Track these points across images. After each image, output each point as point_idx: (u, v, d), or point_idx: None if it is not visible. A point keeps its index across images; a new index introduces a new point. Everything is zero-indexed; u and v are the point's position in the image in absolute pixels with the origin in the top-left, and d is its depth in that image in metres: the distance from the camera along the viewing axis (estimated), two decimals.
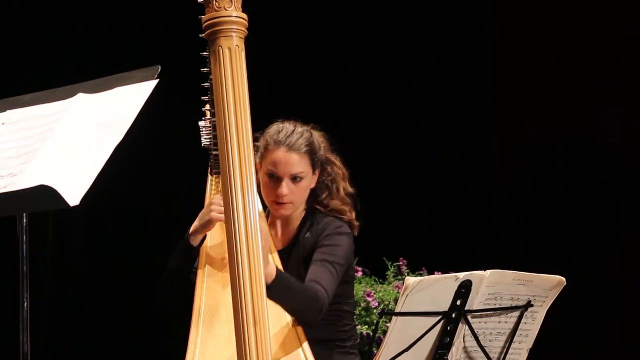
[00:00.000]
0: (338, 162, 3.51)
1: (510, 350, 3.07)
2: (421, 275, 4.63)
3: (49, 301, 5.16)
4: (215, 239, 3.26)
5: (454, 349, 3.00)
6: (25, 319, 2.51)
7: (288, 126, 3.38)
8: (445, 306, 2.92)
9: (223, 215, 2.65)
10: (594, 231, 5.70)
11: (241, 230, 2.29)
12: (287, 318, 3.08)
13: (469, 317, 2.96)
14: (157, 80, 2.47)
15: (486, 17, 5.95)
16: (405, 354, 2.93)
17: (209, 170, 3.39)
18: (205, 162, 3.40)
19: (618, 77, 5.63)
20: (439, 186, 5.85)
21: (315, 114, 5.32)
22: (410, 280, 2.87)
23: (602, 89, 5.65)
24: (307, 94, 5.52)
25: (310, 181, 3.36)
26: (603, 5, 5.62)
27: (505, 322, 3.04)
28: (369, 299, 4.50)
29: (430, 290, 2.89)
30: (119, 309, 5.15)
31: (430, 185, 5.79)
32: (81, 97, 2.51)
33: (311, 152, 3.36)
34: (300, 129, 3.38)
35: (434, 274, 4.31)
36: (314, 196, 3.42)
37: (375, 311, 4.49)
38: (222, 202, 2.79)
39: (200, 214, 3.18)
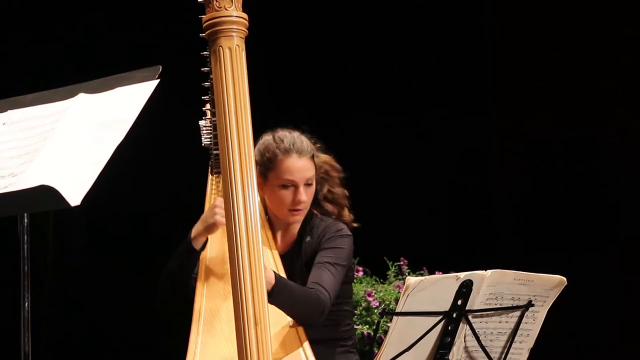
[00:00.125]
0: (333, 162, 3.51)
1: (511, 350, 3.07)
2: (422, 274, 4.63)
3: (50, 301, 5.15)
4: (215, 238, 3.25)
5: (454, 348, 3.00)
6: (26, 318, 2.51)
7: (284, 133, 3.36)
8: (446, 306, 2.92)
9: None
10: (594, 231, 5.70)
11: (242, 230, 2.29)
12: (288, 317, 3.08)
13: (470, 317, 2.96)
14: (158, 80, 2.47)
15: (486, 17, 5.95)
16: (406, 353, 2.93)
17: (209, 170, 3.38)
18: (205, 161, 3.39)
19: (618, 77, 5.63)
20: (439, 186, 5.85)
21: (316, 113, 5.35)
22: (411, 279, 2.88)
23: (602, 89, 5.65)
24: (307, 94, 5.53)
25: (314, 184, 3.37)
26: (603, 5, 5.62)
27: (506, 322, 3.04)
28: (370, 299, 4.50)
29: (431, 290, 2.89)
30: (119, 308, 5.15)
31: (431, 185, 5.79)
32: (82, 97, 2.51)
33: (313, 154, 3.36)
34: (296, 133, 3.37)
35: (434, 273, 4.32)
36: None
37: (375, 311, 4.49)
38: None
39: (203, 217, 3.15)
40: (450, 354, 2.99)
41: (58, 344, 5.23)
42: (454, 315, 2.93)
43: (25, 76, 4.97)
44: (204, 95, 3.15)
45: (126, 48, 5.20)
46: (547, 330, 3.14)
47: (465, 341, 3.02)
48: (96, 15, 5.35)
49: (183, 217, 3.31)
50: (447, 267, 3.99)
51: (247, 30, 2.36)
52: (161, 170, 5.18)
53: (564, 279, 3.05)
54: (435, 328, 2.93)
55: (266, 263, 3.00)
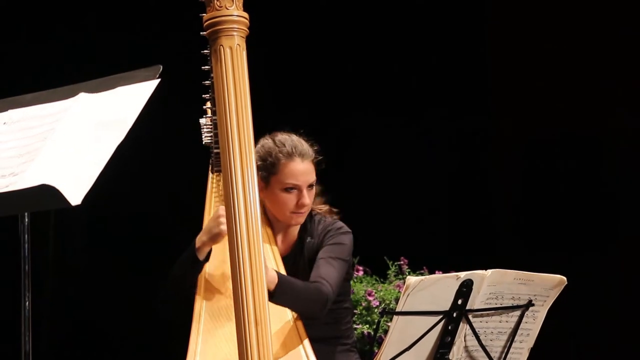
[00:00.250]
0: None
1: (511, 350, 3.07)
2: (422, 274, 4.62)
3: (50, 300, 5.15)
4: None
5: (454, 348, 3.00)
6: (27, 317, 2.51)
7: (285, 137, 3.36)
8: (446, 305, 2.92)
9: None
10: (594, 231, 5.70)
11: (242, 229, 2.29)
12: (288, 316, 3.08)
13: (470, 316, 2.96)
14: (159, 80, 2.47)
15: (486, 17, 5.95)
16: (406, 353, 2.93)
17: (210, 168, 3.38)
18: (206, 160, 3.39)
19: (618, 77, 5.63)
20: (439, 186, 5.85)
21: (316, 113, 5.35)
22: (411, 279, 2.88)
23: (602, 88, 5.65)
24: (307, 94, 5.53)
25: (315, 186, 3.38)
26: (603, 5, 5.62)
27: (506, 321, 3.04)
28: (370, 298, 4.51)
29: (431, 290, 2.89)
30: (120, 308, 5.15)
31: (431, 185, 5.79)
32: (82, 96, 2.51)
33: (314, 157, 3.37)
34: (294, 136, 3.38)
35: (434, 273, 4.32)
36: None
37: (376, 310, 4.49)
38: None
39: (207, 227, 3.10)
40: (451, 353, 2.99)
41: (58, 343, 5.23)
42: (454, 314, 2.94)
43: (25, 76, 4.97)
44: (204, 94, 3.15)
45: (126, 48, 5.20)
46: (548, 330, 3.14)
47: (465, 341, 3.03)
48: (96, 15, 5.35)
49: (183, 216, 3.31)
50: (447, 267, 3.99)
51: (248, 30, 2.37)
52: (161, 170, 5.17)
53: (564, 278, 3.05)
54: (436, 327, 2.93)
55: (268, 264, 3.01)
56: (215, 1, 2.32)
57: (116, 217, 5.27)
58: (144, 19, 5.33)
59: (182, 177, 4.58)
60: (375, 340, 4.02)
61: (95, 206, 3.29)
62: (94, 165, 2.31)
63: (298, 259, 3.35)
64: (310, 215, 3.40)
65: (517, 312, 3.03)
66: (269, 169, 3.29)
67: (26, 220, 2.53)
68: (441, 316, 2.92)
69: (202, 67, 2.93)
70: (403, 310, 2.89)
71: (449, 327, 2.95)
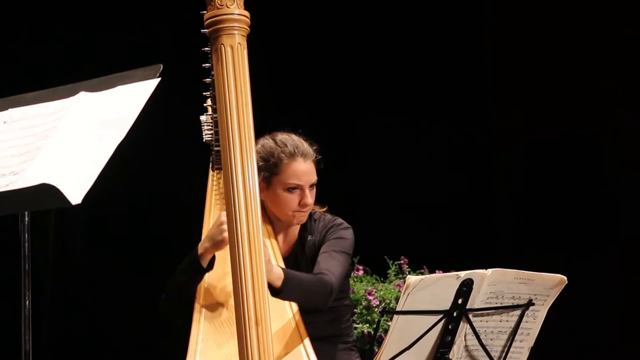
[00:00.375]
0: None
1: (512, 349, 3.07)
2: (422, 273, 4.63)
3: (50, 299, 5.16)
4: None
5: (455, 347, 3.00)
6: (27, 316, 2.51)
7: (285, 137, 3.36)
8: (446, 304, 2.92)
9: None
10: (594, 231, 5.70)
11: (243, 228, 2.29)
12: (289, 316, 3.08)
13: (470, 316, 2.96)
14: (159, 79, 2.47)
15: (486, 17, 5.95)
16: (407, 352, 2.92)
17: (210, 166, 3.38)
18: (206, 157, 3.39)
19: (618, 77, 5.63)
20: (439, 185, 5.86)
21: (316, 113, 5.35)
22: (412, 278, 2.87)
23: (602, 88, 5.66)
24: (307, 94, 5.53)
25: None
26: (603, 5, 5.63)
27: (507, 321, 3.04)
28: (370, 298, 4.51)
29: (432, 289, 2.89)
30: (120, 307, 5.15)
31: (431, 185, 5.79)
32: (83, 95, 2.51)
33: (315, 156, 3.37)
34: (294, 136, 3.38)
35: (434, 272, 4.32)
36: None
37: (376, 309, 4.49)
38: None
39: (210, 234, 3.07)
40: (451, 352, 2.98)
41: (59, 342, 5.23)
42: (455, 314, 2.93)
43: (25, 76, 4.98)
44: (204, 92, 3.14)
45: (126, 48, 5.21)
46: (548, 329, 3.14)
47: (465, 340, 3.02)
48: (96, 15, 5.35)
49: (183, 215, 3.31)
50: (447, 267, 4.00)
51: (249, 28, 2.36)
52: (161, 169, 5.18)
53: (565, 278, 3.04)
54: (436, 327, 2.93)
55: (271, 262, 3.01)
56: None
57: (116, 216, 5.28)
58: (144, 19, 5.33)
59: (182, 176, 4.59)
60: (375, 340, 4.02)
61: (96, 205, 3.29)
62: (94, 165, 2.31)
63: (300, 257, 3.35)
64: (310, 214, 3.40)
65: (518, 312, 3.03)
66: (272, 169, 3.29)
67: (26, 219, 2.53)
68: (441, 315, 2.92)
69: (203, 65, 2.93)
70: (403, 309, 2.88)
71: (449, 327, 2.95)
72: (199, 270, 3.08)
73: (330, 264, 3.21)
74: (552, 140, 5.88)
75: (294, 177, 3.28)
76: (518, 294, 3.01)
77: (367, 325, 4.48)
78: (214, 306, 3.07)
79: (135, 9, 5.30)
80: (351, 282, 4.57)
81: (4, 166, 2.40)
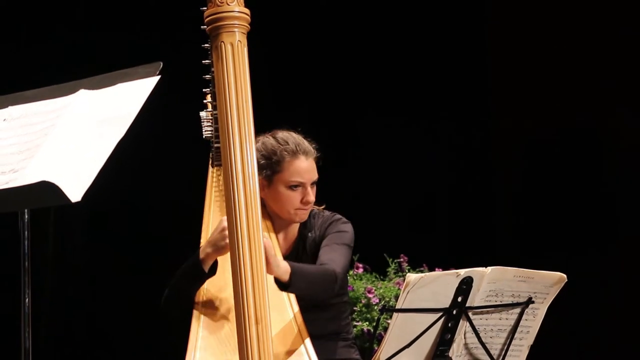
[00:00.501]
0: None
1: (511, 347, 3.07)
2: (422, 271, 4.62)
3: (50, 297, 5.16)
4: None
5: (454, 345, 3.00)
6: (27, 314, 2.51)
7: (286, 134, 3.36)
8: (446, 302, 2.92)
9: None
10: (594, 231, 5.70)
11: (243, 225, 2.29)
12: (289, 314, 3.07)
13: (470, 314, 2.96)
14: (159, 77, 2.47)
15: (486, 17, 5.95)
16: (406, 350, 2.93)
17: (210, 162, 3.38)
18: (205, 154, 3.39)
19: (618, 77, 5.63)
20: (439, 185, 5.86)
21: (316, 113, 5.35)
22: (411, 276, 2.88)
23: (602, 88, 5.66)
24: (308, 93, 5.53)
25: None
26: (603, 5, 5.63)
27: (506, 319, 3.04)
28: (370, 295, 4.51)
29: (431, 287, 2.89)
30: (120, 305, 5.15)
31: (431, 184, 5.80)
32: (83, 93, 2.51)
33: (315, 154, 3.37)
34: (294, 134, 3.38)
35: (434, 270, 4.32)
36: None
37: (375, 307, 4.49)
38: None
39: (212, 240, 3.03)
40: (450, 350, 2.99)
41: (58, 340, 5.23)
42: (454, 312, 2.94)
43: (26, 76, 4.97)
44: (204, 88, 3.14)
45: (126, 47, 5.20)
46: (548, 329, 3.14)
47: (465, 338, 3.03)
48: (96, 14, 5.35)
49: (183, 213, 3.30)
50: (447, 266, 4.00)
51: (249, 26, 2.36)
52: (161, 166, 5.18)
53: (564, 276, 3.04)
54: (436, 325, 2.93)
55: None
56: None
57: (116, 213, 5.28)
58: (143, 17, 5.33)
59: (181, 173, 4.59)
60: (375, 338, 4.03)
61: (96, 203, 3.29)
62: (94, 162, 2.31)
63: (301, 255, 3.35)
64: (309, 212, 3.41)
65: (517, 310, 3.03)
66: (274, 168, 3.29)
67: (26, 217, 2.52)
68: (441, 313, 2.92)
69: (203, 61, 2.93)
70: (403, 307, 2.89)
71: (449, 325, 2.95)
72: (201, 275, 3.05)
73: (332, 255, 3.22)
74: (552, 140, 5.88)
75: (297, 175, 3.29)
76: (518, 292, 3.02)
77: (367, 323, 4.48)
78: (214, 303, 3.07)
79: (135, 7, 5.30)
80: (351, 280, 4.58)
81: (3, 164, 2.40)
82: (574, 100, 5.72)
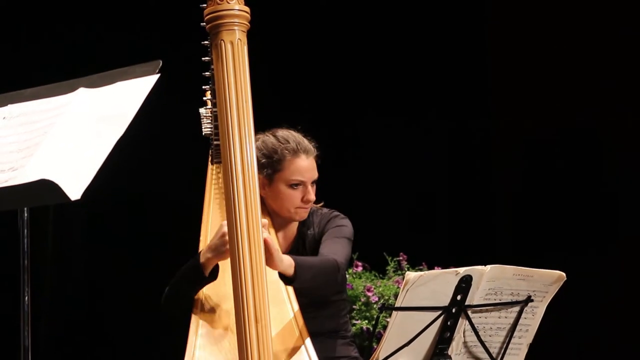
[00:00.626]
0: None
1: (510, 345, 3.06)
2: (421, 270, 4.63)
3: (50, 295, 5.16)
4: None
5: (453, 343, 3.00)
6: (26, 312, 2.51)
7: (286, 133, 3.36)
8: (445, 301, 2.92)
9: None
10: (594, 231, 5.70)
11: (242, 224, 2.30)
12: (289, 314, 3.07)
13: (469, 312, 2.96)
14: (159, 75, 2.47)
15: (486, 17, 5.95)
16: (405, 348, 2.92)
17: (209, 159, 3.38)
18: (205, 151, 3.39)
19: (618, 77, 5.63)
20: (439, 185, 5.86)
21: (316, 112, 5.35)
22: (411, 274, 2.88)
23: (602, 88, 5.66)
24: (307, 93, 5.54)
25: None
26: (603, 5, 5.63)
27: (505, 317, 3.04)
28: (369, 294, 4.51)
29: (431, 285, 2.89)
30: (119, 303, 5.16)
31: (431, 184, 5.80)
32: (82, 91, 2.51)
33: (315, 153, 3.38)
34: (295, 132, 3.38)
35: (433, 268, 4.32)
36: None
37: (375, 306, 4.50)
38: None
39: (213, 245, 2.98)
40: (450, 349, 2.99)
41: (58, 338, 5.23)
42: (454, 310, 2.93)
43: (26, 76, 4.97)
44: (204, 84, 3.14)
45: (126, 47, 5.21)
46: (547, 329, 3.14)
47: (464, 336, 3.03)
48: (96, 14, 5.35)
49: (183, 210, 3.30)
50: (446, 265, 3.99)
51: (249, 24, 2.36)
52: (162, 165, 5.18)
53: (563, 274, 3.04)
54: (435, 323, 2.93)
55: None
56: None
57: (115, 212, 5.28)
58: (143, 16, 5.33)
59: (181, 171, 4.58)
60: (374, 336, 4.03)
61: (95, 201, 3.29)
62: (94, 160, 2.31)
63: (301, 252, 3.35)
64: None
65: (516, 308, 3.03)
66: (274, 166, 3.29)
67: (25, 215, 2.52)
68: (440, 312, 2.92)
69: (202, 59, 2.92)
70: (402, 305, 2.88)
71: (448, 323, 2.95)
72: (202, 279, 3.02)
73: (332, 247, 3.22)
74: (552, 140, 5.88)
75: (297, 174, 3.29)
76: (517, 290, 3.01)
77: (366, 321, 4.48)
78: (214, 302, 3.07)
79: (135, 8, 5.30)
80: (350, 278, 4.58)
81: (3, 162, 2.40)
82: (574, 100, 5.72)
